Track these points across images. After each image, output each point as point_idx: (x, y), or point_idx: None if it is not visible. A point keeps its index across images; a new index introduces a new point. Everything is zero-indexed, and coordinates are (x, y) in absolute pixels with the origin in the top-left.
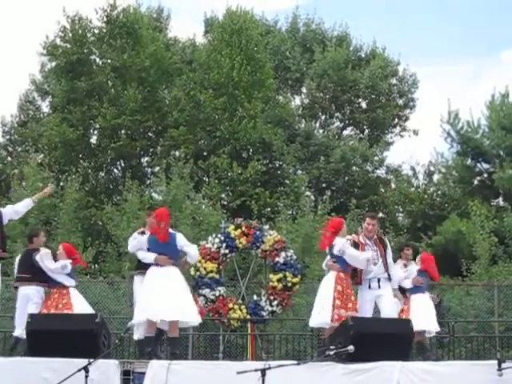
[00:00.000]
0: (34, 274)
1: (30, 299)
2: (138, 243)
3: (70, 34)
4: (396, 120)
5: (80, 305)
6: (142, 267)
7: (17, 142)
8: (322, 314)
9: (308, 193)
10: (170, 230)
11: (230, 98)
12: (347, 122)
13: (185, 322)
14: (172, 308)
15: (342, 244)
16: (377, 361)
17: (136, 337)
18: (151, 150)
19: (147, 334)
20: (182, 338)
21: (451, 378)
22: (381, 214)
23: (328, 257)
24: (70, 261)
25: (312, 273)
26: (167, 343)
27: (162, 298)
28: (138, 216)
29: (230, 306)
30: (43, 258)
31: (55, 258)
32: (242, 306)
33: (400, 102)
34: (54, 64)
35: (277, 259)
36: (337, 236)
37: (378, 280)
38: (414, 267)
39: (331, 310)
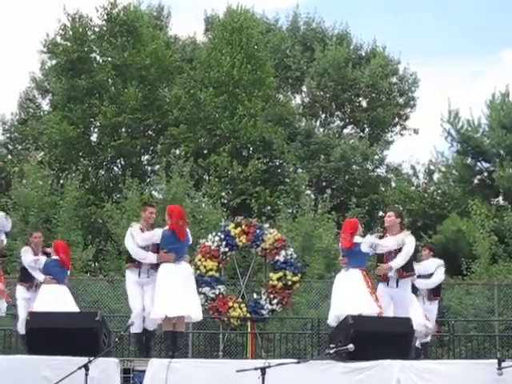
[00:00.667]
0: (20, 274)
1: None
2: (151, 236)
3: (71, 32)
4: (396, 119)
5: (41, 304)
6: (135, 260)
7: (17, 140)
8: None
9: (308, 191)
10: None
11: (230, 96)
12: (347, 120)
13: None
14: (188, 304)
15: (371, 240)
16: (377, 359)
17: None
18: (151, 148)
19: (166, 329)
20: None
21: (451, 377)
22: (381, 213)
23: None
24: (53, 258)
25: (312, 271)
26: (171, 337)
27: (183, 294)
28: (138, 214)
29: (230, 304)
30: (22, 254)
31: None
32: (242, 305)
33: (400, 100)
34: (54, 62)
35: (277, 258)
36: (355, 235)
37: (397, 280)
38: None
39: (375, 302)
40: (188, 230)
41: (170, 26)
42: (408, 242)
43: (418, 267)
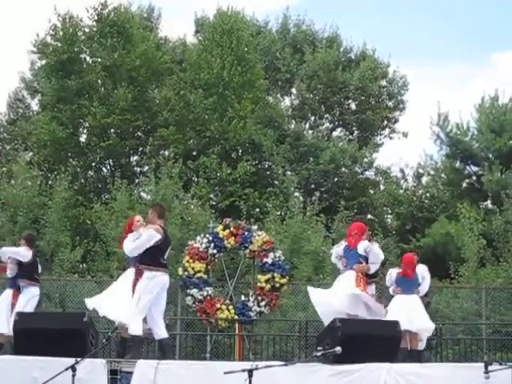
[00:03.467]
0: None
1: None
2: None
3: (61, 33)
4: (385, 122)
5: None
6: None
7: (6, 140)
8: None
9: (297, 194)
10: None
11: (220, 98)
12: (337, 123)
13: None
14: None
15: (367, 244)
16: (364, 362)
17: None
18: (140, 149)
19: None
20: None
21: (438, 380)
22: (369, 216)
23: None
24: None
25: (300, 274)
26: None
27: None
28: (127, 215)
29: (218, 306)
30: None
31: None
32: (230, 307)
33: (390, 103)
34: (44, 62)
35: (265, 260)
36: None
37: None
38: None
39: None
40: (125, 241)
41: (161, 27)
42: None
43: None
